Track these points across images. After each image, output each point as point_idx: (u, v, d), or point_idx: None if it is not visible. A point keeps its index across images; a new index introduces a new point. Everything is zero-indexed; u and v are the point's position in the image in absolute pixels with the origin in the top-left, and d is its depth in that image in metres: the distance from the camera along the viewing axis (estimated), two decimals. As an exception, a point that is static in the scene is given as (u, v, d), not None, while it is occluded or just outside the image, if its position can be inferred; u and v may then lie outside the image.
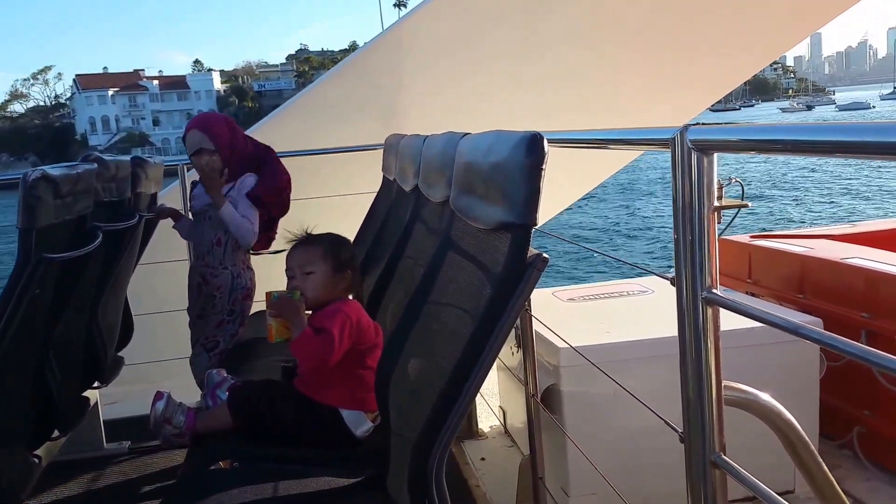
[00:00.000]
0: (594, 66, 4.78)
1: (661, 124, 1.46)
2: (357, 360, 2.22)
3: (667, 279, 1.47)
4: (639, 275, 3.87)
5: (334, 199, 3.28)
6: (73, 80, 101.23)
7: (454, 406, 1.47)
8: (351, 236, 3.06)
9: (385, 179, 3.71)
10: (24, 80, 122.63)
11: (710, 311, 1.36)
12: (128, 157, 2.94)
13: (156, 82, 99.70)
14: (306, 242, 2.39)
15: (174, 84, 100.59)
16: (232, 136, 3.32)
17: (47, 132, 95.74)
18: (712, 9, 4.76)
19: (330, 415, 2.16)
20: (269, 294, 2.33)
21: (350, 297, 2.41)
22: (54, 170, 2.00)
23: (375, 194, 3.83)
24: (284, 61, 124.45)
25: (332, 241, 2.39)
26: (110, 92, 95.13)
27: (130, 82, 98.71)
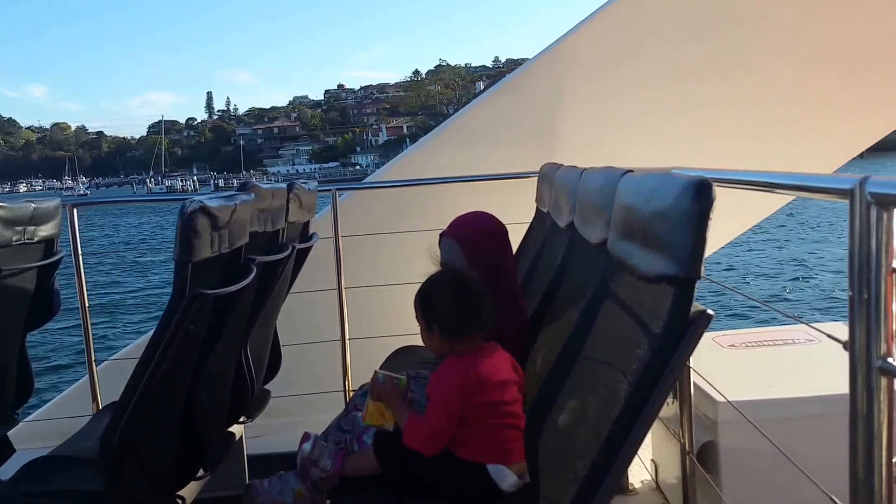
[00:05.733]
0: (758, 92, 4.48)
1: (824, 158, 1.30)
2: (492, 411, 2.04)
3: (839, 342, 1.31)
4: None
5: None
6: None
7: (609, 471, 1.37)
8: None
9: (538, 211, 3.60)
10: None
11: (883, 381, 1.21)
12: (284, 185, 2.81)
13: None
14: (420, 300, 2.20)
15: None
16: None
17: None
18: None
19: (474, 469, 2.06)
20: (376, 373, 2.20)
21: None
22: (212, 201, 1.92)
23: (528, 225, 3.72)
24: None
25: (439, 313, 2.14)
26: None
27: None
